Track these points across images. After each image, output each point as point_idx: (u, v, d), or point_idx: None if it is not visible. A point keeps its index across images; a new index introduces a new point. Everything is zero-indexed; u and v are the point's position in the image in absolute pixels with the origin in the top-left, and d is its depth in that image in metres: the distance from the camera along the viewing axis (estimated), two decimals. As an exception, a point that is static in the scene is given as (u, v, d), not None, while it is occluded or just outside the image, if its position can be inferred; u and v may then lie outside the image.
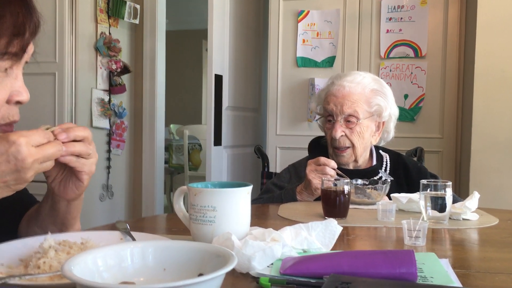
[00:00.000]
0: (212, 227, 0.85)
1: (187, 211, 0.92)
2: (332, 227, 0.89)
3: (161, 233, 1.00)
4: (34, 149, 0.72)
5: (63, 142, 0.78)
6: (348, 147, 1.66)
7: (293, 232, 0.88)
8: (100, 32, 3.35)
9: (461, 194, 2.64)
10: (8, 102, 0.79)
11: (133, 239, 0.88)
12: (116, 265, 0.63)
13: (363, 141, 1.66)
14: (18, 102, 0.80)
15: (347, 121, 1.64)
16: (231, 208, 0.86)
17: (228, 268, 0.56)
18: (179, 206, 0.95)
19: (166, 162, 4.57)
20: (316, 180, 1.49)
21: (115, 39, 3.37)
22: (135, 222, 1.29)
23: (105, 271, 0.62)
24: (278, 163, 3.10)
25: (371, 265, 0.71)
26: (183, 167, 4.79)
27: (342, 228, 0.90)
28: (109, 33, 3.40)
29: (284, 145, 3.13)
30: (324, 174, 1.47)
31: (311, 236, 0.87)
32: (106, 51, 3.31)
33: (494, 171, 2.61)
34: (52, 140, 0.76)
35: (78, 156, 0.81)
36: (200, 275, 0.61)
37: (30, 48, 0.80)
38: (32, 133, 0.73)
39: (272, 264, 0.77)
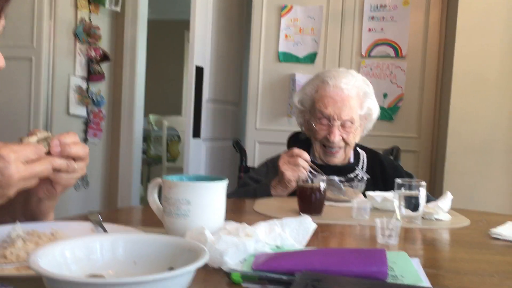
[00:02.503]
0: (186, 221, 0.84)
1: (161, 204, 0.91)
2: (306, 224, 0.89)
3: (135, 225, 0.99)
4: (23, 167, 0.70)
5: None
6: (341, 147, 1.67)
7: (267, 227, 0.87)
8: (80, 18, 3.28)
9: (435, 194, 2.68)
10: None
11: (105, 231, 0.87)
12: (84, 258, 0.62)
13: (354, 140, 1.68)
14: None
15: (343, 125, 1.64)
16: (206, 202, 0.85)
17: (199, 263, 0.56)
18: (153, 199, 0.94)
19: (144, 153, 4.53)
20: (289, 172, 1.47)
21: (95, 26, 3.30)
22: (109, 214, 1.27)
23: (73, 263, 0.61)
24: (256, 158, 3.10)
25: (343, 263, 0.71)
26: (161, 158, 4.76)
27: (316, 225, 0.90)
28: (89, 19, 3.33)
29: (264, 140, 3.12)
30: (297, 165, 1.46)
31: (285, 233, 0.87)
32: (85, 37, 3.25)
33: (468, 173, 2.66)
34: (42, 157, 0.74)
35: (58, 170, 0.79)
36: (171, 269, 0.61)
37: (2, 18, 0.78)
38: (23, 148, 0.71)
39: (245, 259, 0.76)
